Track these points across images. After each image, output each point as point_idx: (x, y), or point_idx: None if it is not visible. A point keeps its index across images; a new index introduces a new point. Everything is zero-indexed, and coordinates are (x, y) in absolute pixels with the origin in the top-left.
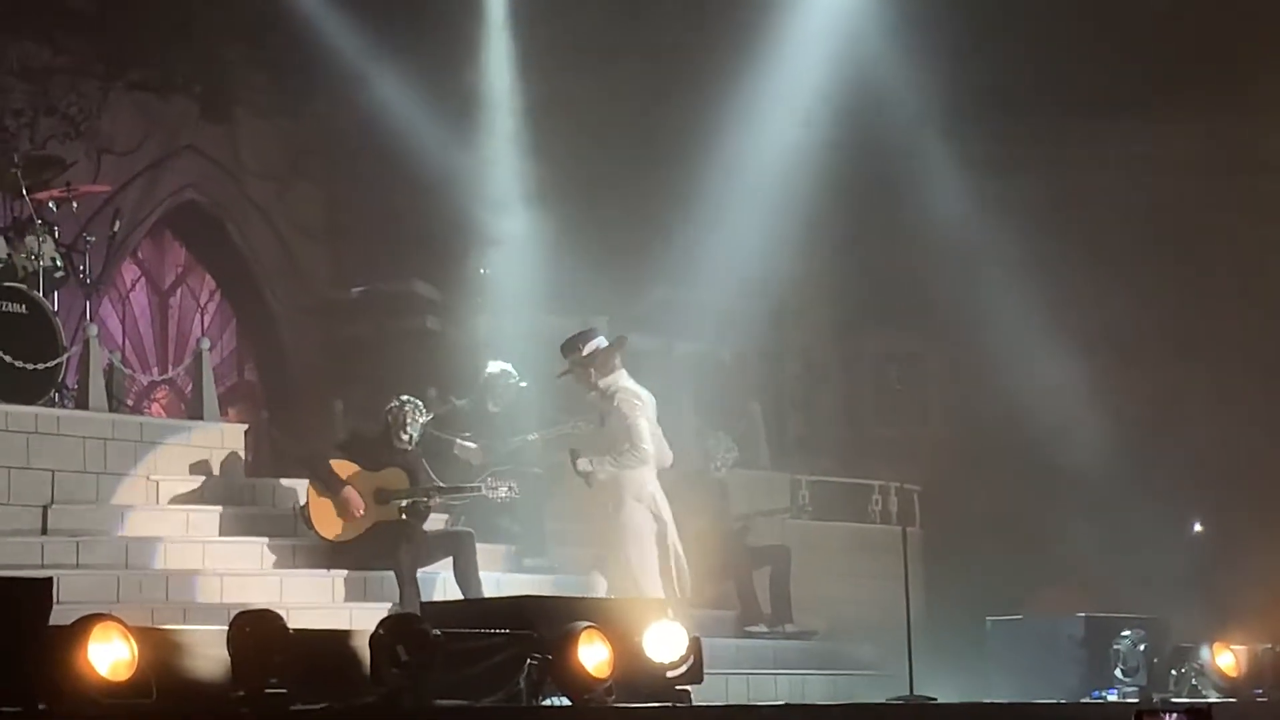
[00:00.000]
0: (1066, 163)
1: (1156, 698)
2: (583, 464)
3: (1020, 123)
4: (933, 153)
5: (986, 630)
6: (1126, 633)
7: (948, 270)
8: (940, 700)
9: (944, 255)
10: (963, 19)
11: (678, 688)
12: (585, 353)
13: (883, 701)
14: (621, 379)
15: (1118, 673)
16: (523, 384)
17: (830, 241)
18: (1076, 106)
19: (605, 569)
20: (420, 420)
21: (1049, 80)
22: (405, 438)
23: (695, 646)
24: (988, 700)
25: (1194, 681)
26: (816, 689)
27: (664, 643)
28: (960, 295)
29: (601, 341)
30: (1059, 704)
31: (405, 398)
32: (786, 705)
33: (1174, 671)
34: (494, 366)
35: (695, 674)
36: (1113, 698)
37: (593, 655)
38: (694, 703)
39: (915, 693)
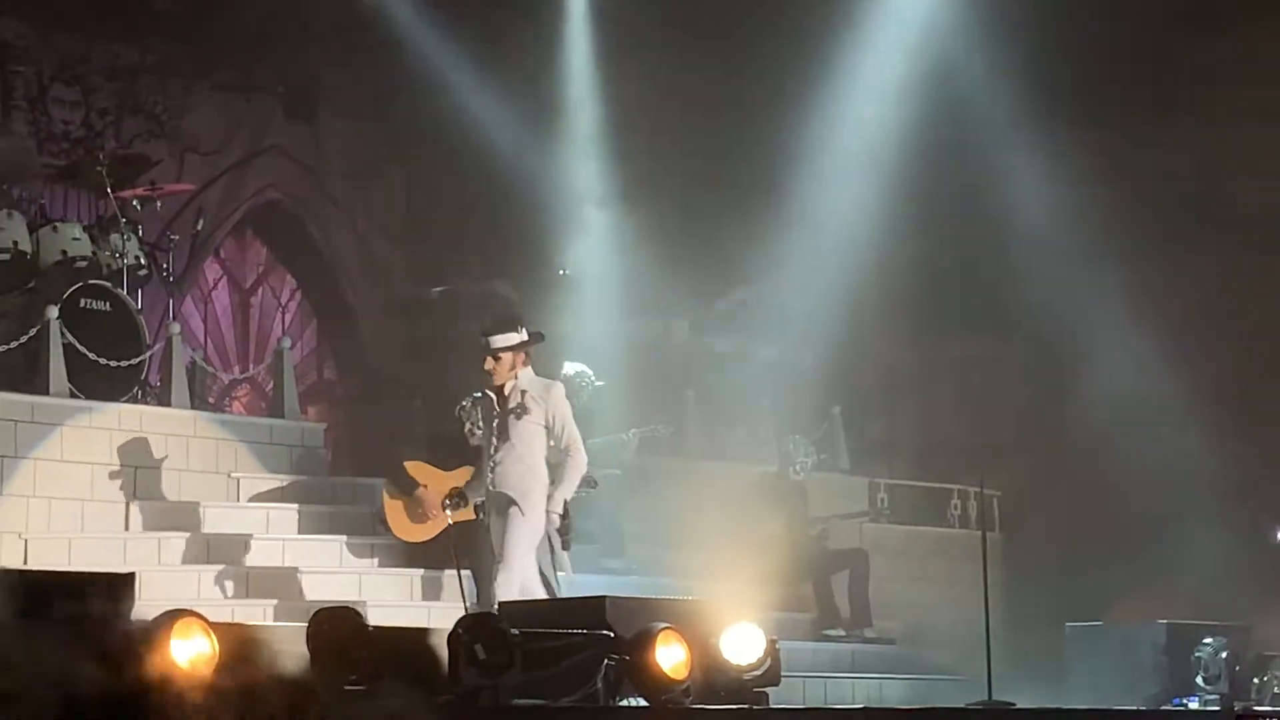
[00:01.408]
0: (1154, 166)
1: (1238, 706)
2: (559, 506)
3: (1106, 125)
4: (1015, 156)
5: (1066, 636)
6: (1208, 640)
7: (1029, 274)
8: (1019, 706)
9: (1026, 259)
10: (1048, 17)
11: (755, 690)
12: (522, 338)
13: (961, 707)
14: (532, 372)
15: (1199, 680)
16: (599, 383)
17: (911, 245)
18: (1166, 108)
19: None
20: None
21: (1136, 81)
22: (476, 436)
23: (773, 649)
24: (1067, 707)
25: (1276, 689)
26: (894, 693)
27: (742, 645)
28: (1042, 299)
29: (526, 330)
30: (1139, 711)
31: (476, 395)
32: (864, 709)
33: (1256, 679)
34: (570, 368)
35: (772, 676)
36: (1194, 705)
37: (670, 656)
38: (771, 705)
39: (994, 699)
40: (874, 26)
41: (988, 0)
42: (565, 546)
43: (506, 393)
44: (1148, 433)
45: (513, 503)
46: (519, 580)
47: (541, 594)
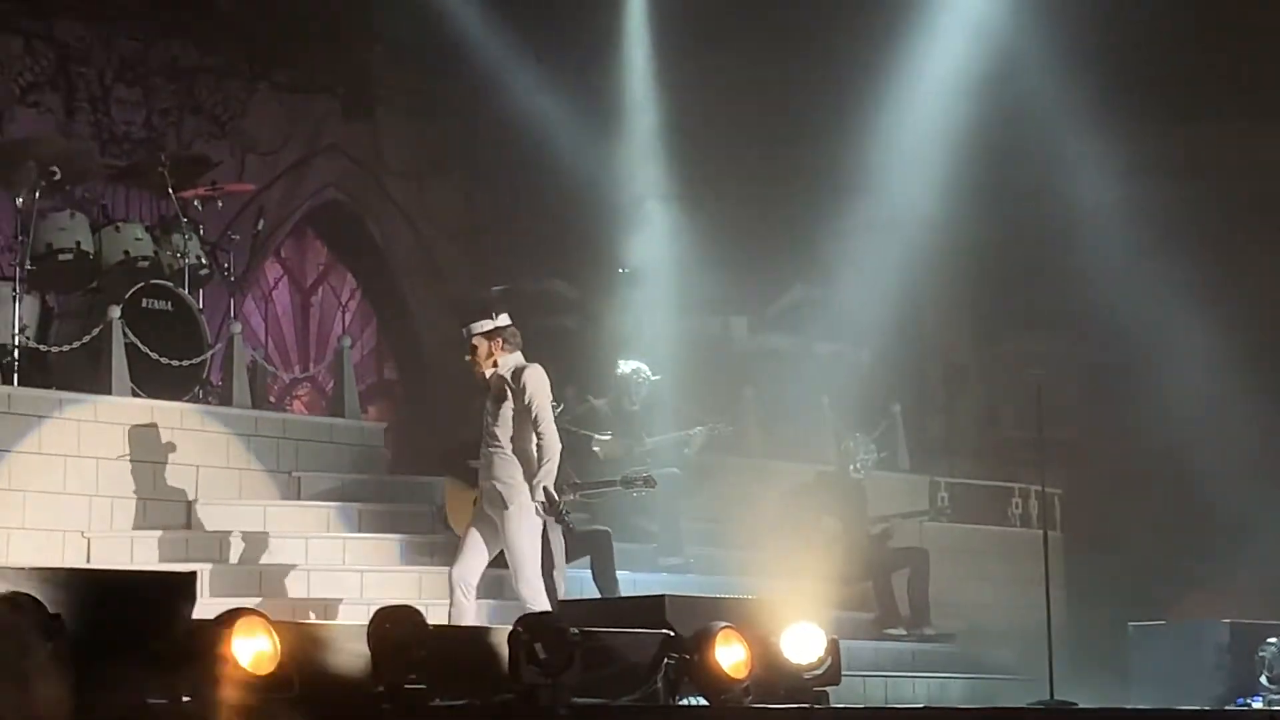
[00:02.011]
0: (1218, 165)
1: None
2: (540, 494)
3: (1169, 123)
4: (1077, 152)
5: (1129, 636)
6: (1272, 640)
7: (1091, 271)
8: (1081, 706)
9: (1087, 256)
10: (1109, 12)
11: (815, 689)
12: (497, 323)
13: (1023, 706)
14: (519, 358)
15: (1263, 680)
16: (656, 378)
17: (972, 241)
18: (1231, 107)
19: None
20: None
21: (1200, 78)
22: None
23: (833, 648)
24: (1130, 706)
25: None
26: (956, 692)
27: (802, 644)
28: (1103, 297)
29: (506, 316)
30: (1203, 711)
31: None
32: (925, 708)
33: None
34: (626, 366)
35: (833, 675)
36: (1258, 705)
37: (730, 655)
38: (831, 704)
39: (1056, 698)
40: (935, 23)
41: (1046, 2)
42: (567, 528)
43: (490, 380)
44: (1211, 430)
45: (503, 502)
46: (535, 566)
47: (543, 590)
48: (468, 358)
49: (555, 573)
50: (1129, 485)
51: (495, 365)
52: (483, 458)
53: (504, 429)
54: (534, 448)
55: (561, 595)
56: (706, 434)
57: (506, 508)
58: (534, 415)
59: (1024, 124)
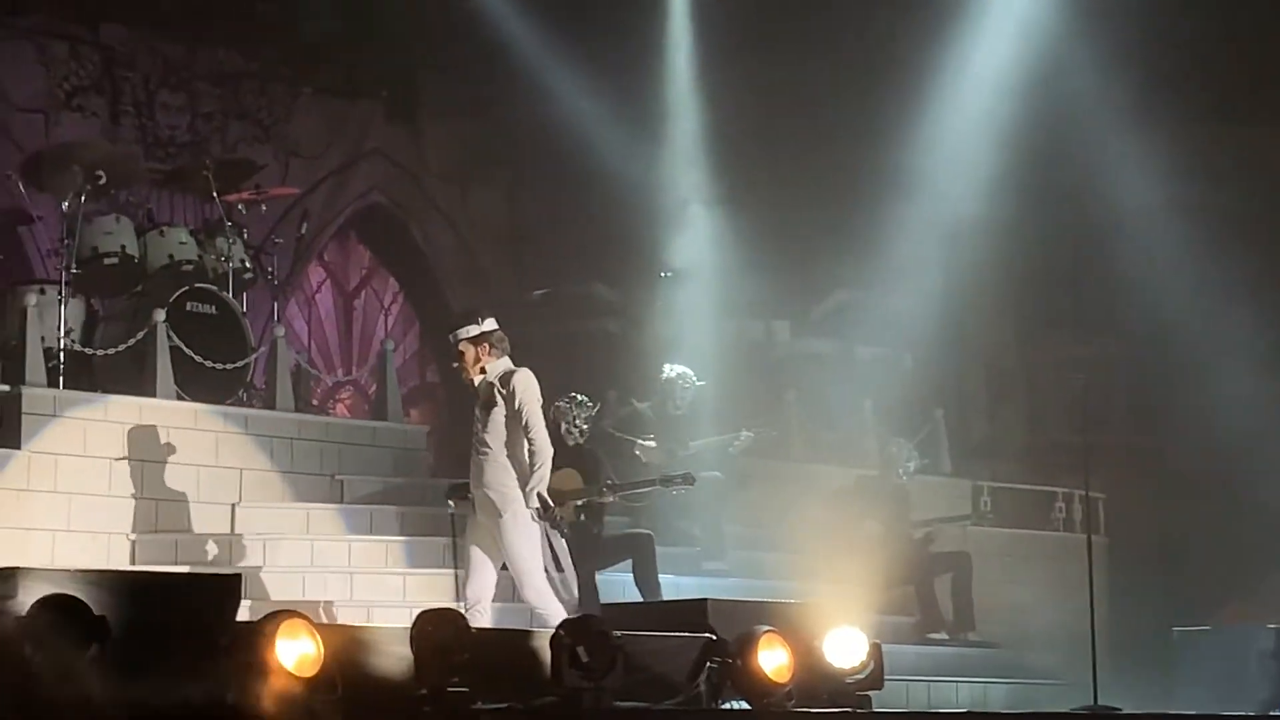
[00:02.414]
0: (1266, 166)
1: None
2: (534, 501)
3: (1217, 123)
4: (1122, 154)
5: (1173, 641)
6: None
7: (1134, 274)
8: (1125, 711)
9: (1131, 259)
10: (1153, 12)
11: (857, 693)
12: (483, 329)
13: (1066, 711)
14: (508, 363)
15: None
16: (700, 383)
17: (1014, 244)
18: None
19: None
20: (585, 415)
21: (1247, 79)
22: (575, 436)
23: (876, 652)
24: (1174, 712)
25: None
26: (998, 697)
27: (844, 648)
28: (1149, 299)
29: (493, 321)
30: (1248, 717)
31: (569, 396)
32: (968, 713)
33: None
34: (670, 370)
35: (875, 680)
36: None
37: (773, 659)
38: (874, 709)
39: (1099, 703)
40: (977, 24)
41: (1088, 2)
42: (562, 533)
43: (479, 386)
44: (1257, 434)
45: (496, 511)
46: (540, 574)
47: (551, 594)
48: (455, 364)
49: (557, 576)
50: (1174, 489)
51: (483, 371)
52: (474, 466)
53: (495, 435)
54: (525, 453)
55: (566, 598)
56: (751, 438)
57: (501, 516)
58: (525, 420)
59: (1068, 125)
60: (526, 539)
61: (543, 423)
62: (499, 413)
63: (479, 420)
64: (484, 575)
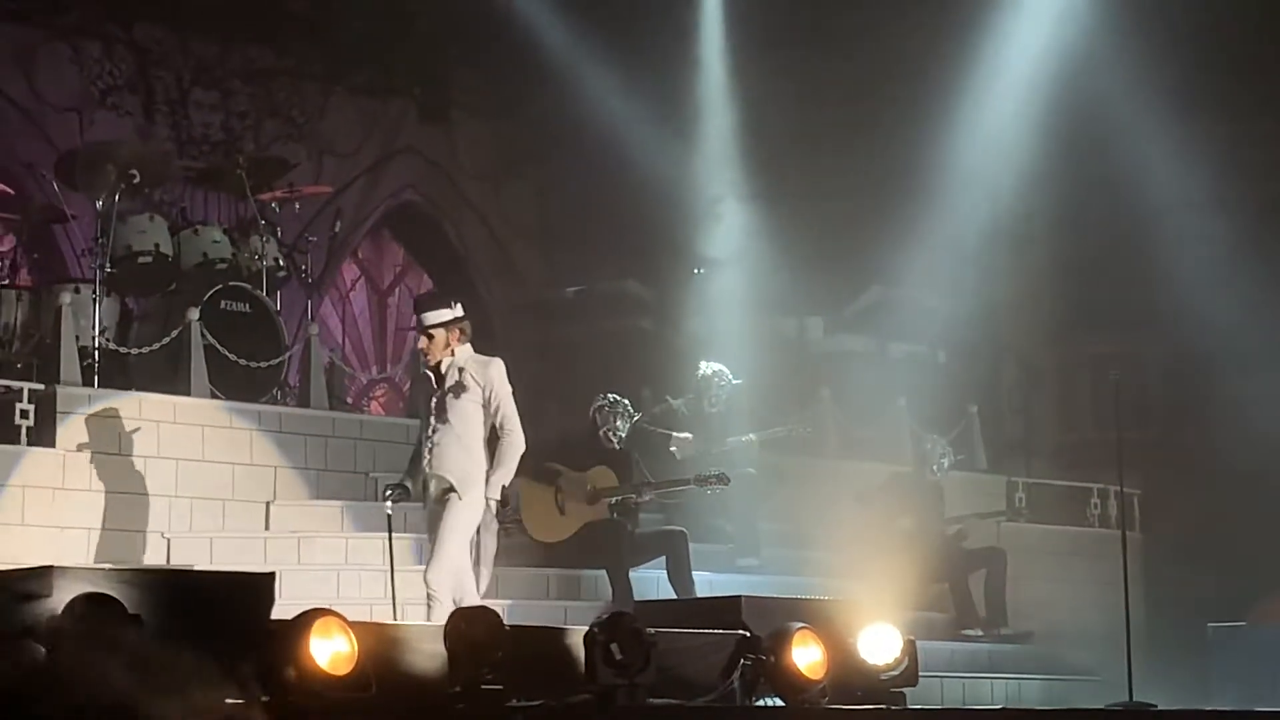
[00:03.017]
0: None
1: None
2: (497, 492)
3: (1255, 118)
4: (1157, 149)
5: (1208, 637)
6: None
7: (1170, 269)
8: (1160, 707)
9: (1167, 253)
10: (1187, 8)
11: (892, 690)
12: (455, 314)
13: (1101, 708)
14: (471, 350)
15: None
16: (736, 381)
17: (1047, 240)
18: None
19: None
20: (627, 421)
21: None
22: (613, 438)
23: (910, 649)
24: (1209, 708)
25: None
26: (1033, 694)
27: (879, 644)
28: (1183, 295)
29: (461, 308)
30: None
31: (613, 397)
32: (1003, 710)
33: None
34: (706, 368)
35: (910, 677)
36: None
37: (807, 656)
38: (908, 706)
39: (1134, 700)
40: (1014, 19)
41: None
42: (507, 534)
43: (444, 370)
44: None
45: (451, 489)
46: (451, 568)
47: (472, 585)
48: (420, 346)
49: (479, 568)
50: (1210, 485)
51: (452, 355)
52: (432, 452)
53: (462, 421)
54: (483, 443)
55: (459, 599)
56: (779, 435)
57: (460, 498)
58: (501, 412)
59: (1105, 120)
60: (466, 526)
61: (517, 415)
62: (468, 399)
63: (445, 406)
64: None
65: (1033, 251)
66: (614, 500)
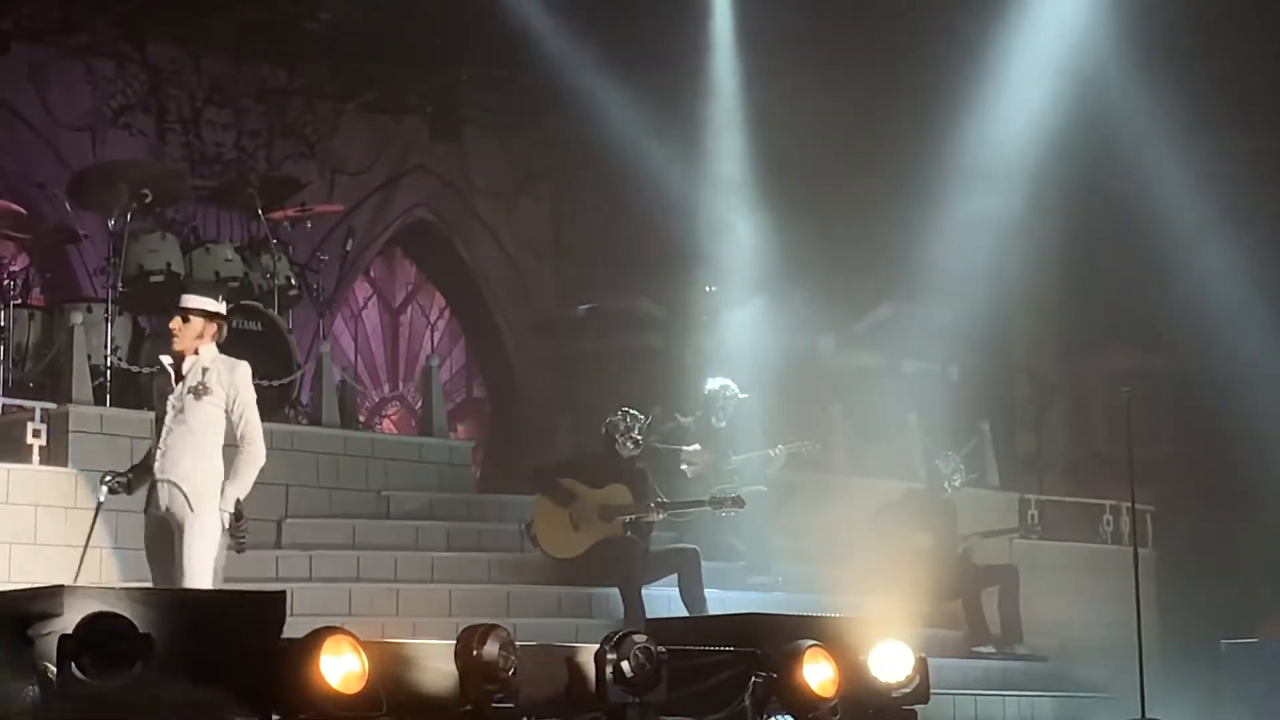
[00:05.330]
0: None
1: None
2: (230, 504)
3: (1266, 135)
4: (1167, 167)
5: (1220, 653)
6: None
7: (1181, 287)
8: None
9: (1177, 271)
10: (1197, 23)
11: (904, 707)
12: (221, 310)
13: None
14: (216, 351)
15: None
16: (743, 395)
17: (1060, 257)
18: None
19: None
20: (639, 429)
21: None
22: (629, 448)
23: (922, 666)
24: None
25: None
26: (1045, 711)
27: (890, 662)
28: (1194, 312)
29: (225, 308)
30: None
31: (622, 410)
32: None
33: None
34: (714, 383)
35: (922, 694)
36: None
37: (818, 674)
38: None
39: (1147, 716)
40: (1022, 36)
41: (1136, 10)
42: (239, 549)
43: (186, 369)
44: None
45: (183, 499)
46: (210, 579)
47: None
48: (172, 327)
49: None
50: (1222, 502)
51: (196, 353)
52: (165, 454)
53: (201, 424)
54: (221, 451)
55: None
56: (790, 452)
57: (191, 511)
58: (245, 420)
59: (1117, 135)
60: (209, 541)
61: (260, 426)
62: (210, 402)
63: (182, 405)
64: (170, 572)
65: (1045, 269)
66: (628, 518)
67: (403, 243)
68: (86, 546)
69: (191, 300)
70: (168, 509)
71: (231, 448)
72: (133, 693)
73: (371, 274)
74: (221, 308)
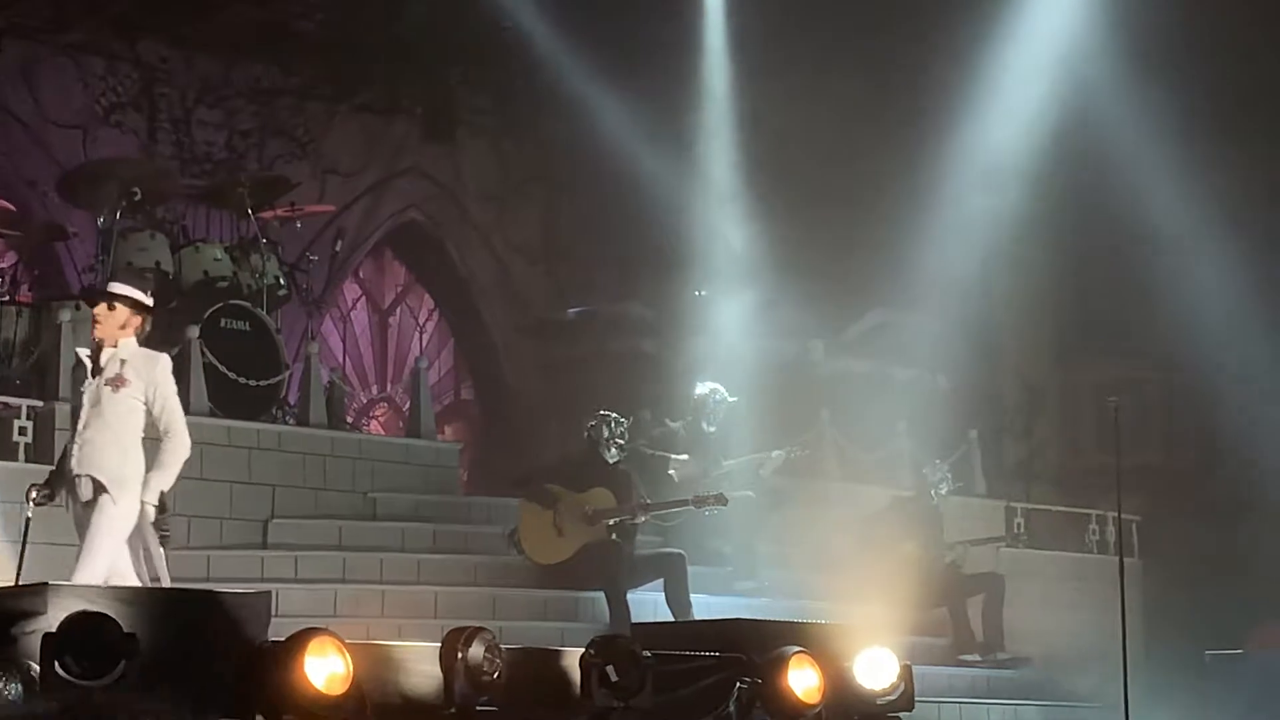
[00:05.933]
0: None
1: None
2: (154, 496)
3: (1251, 143)
4: (1158, 177)
5: (1206, 664)
6: None
7: (1172, 295)
8: None
9: (1169, 279)
10: (1189, 35)
11: (888, 715)
12: (149, 303)
13: None
14: (135, 344)
15: None
16: (732, 399)
17: (1051, 265)
18: None
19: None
20: (622, 433)
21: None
22: (611, 452)
23: (907, 673)
24: None
25: None
26: (1030, 719)
27: (875, 669)
28: (1184, 321)
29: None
30: None
31: (601, 413)
32: None
33: None
34: (703, 387)
35: (906, 701)
36: None
37: (803, 680)
38: None
39: None
40: (1013, 46)
41: (1129, 18)
42: (162, 543)
43: (104, 361)
44: None
45: (102, 489)
46: (103, 568)
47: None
48: (95, 312)
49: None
50: (1209, 512)
51: (115, 345)
52: (81, 449)
53: (120, 417)
54: (141, 444)
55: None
56: (783, 457)
57: (114, 501)
58: (167, 413)
59: (1107, 145)
60: (120, 529)
61: (183, 418)
62: (128, 394)
63: (98, 399)
64: (119, 562)
65: (1035, 277)
66: (612, 522)
67: (393, 244)
68: (21, 558)
69: (119, 287)
70: (87, 502)
71: (154, 440)
72: (116, 692)
73: (361, 275)
74: (149, 301)
